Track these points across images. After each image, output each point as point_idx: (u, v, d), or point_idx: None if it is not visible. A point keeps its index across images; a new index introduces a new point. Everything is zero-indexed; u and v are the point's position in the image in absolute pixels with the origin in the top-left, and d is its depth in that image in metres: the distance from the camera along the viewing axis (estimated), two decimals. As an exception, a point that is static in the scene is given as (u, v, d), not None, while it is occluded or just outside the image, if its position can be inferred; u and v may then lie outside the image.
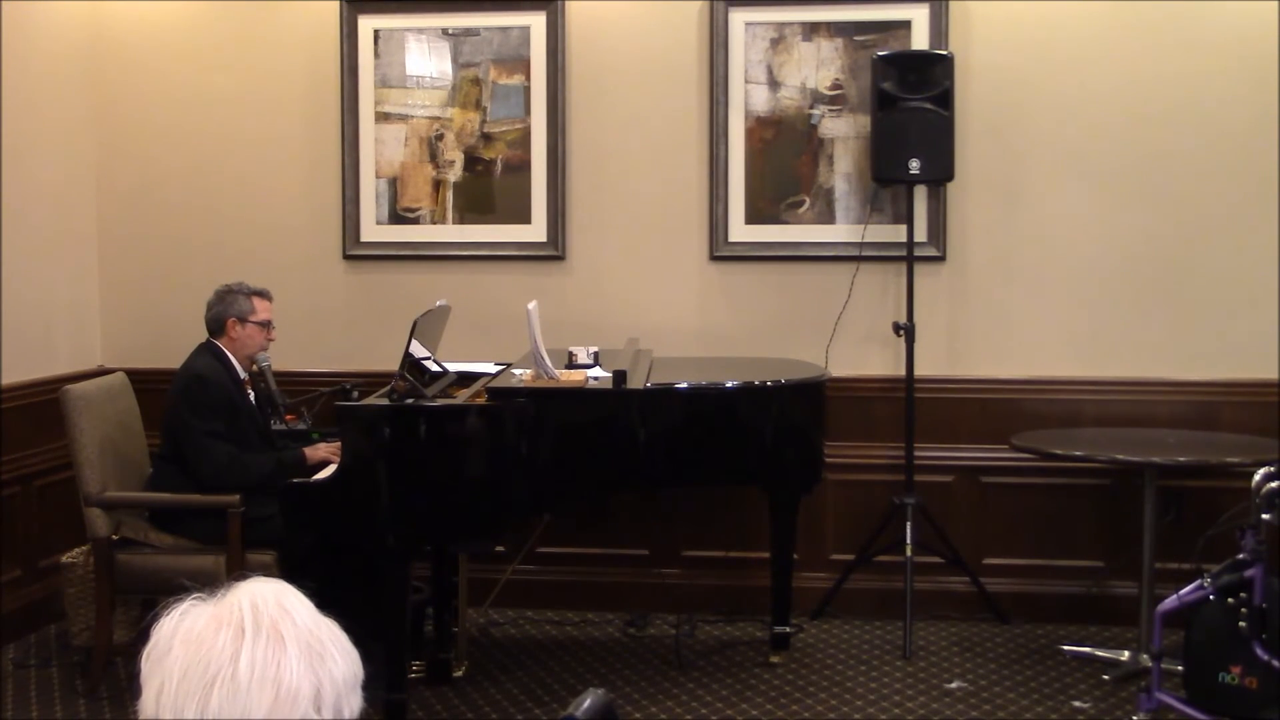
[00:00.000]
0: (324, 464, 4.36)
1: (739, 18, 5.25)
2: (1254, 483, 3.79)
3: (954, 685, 4.54)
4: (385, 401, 4.11)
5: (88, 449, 4.38)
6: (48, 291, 5.29)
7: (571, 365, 4.56)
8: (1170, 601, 3.92)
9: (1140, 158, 5.12)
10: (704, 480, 4.59)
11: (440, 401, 4.16)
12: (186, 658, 1.16)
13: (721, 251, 5.32)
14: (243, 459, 4.33)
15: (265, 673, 1.14)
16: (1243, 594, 3.80)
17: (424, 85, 5.43)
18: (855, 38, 5.21)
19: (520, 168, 5.40)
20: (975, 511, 5.24)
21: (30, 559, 5.06)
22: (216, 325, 4.50)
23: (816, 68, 5.24)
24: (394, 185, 5.46)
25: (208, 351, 4.47)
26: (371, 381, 4.87)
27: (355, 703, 1.22)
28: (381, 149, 5.45)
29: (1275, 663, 3.76)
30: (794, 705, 4.38)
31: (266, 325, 4.53)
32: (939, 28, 5.14)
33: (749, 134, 5.28)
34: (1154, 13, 5.08)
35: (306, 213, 5.51)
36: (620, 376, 4.20)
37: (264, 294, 4.56)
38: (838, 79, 5.24)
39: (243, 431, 4.41)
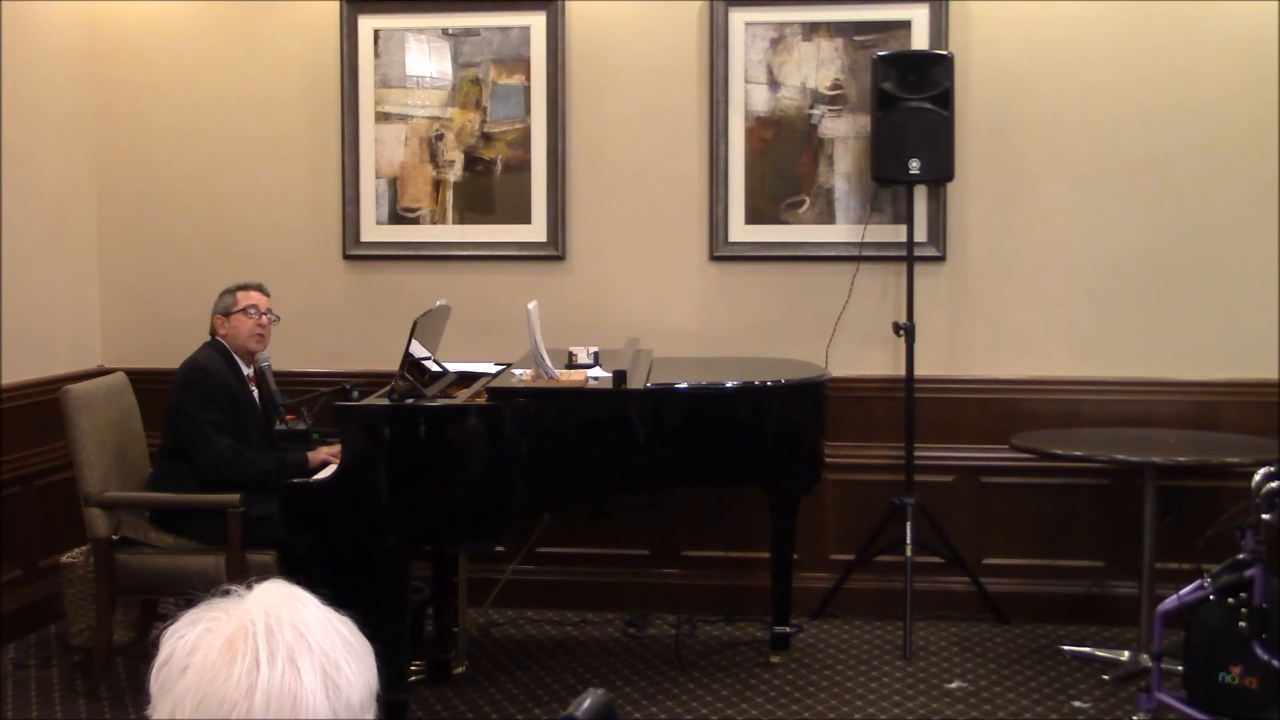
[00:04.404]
0: (325, 466, 4.36)
1: (739, 18, 5.25)
2: (1254, 483, 3.79)
3: (954, 685, 4.54)
4: (385, 401, 4.11)
5: (88, 449, 4.38)
6: (48, 291, 5.29)
7: (571, 365, 4.56)
8: (1170, 601, 3.92)
9: (1140, 157, 5.12)
10: (704, 480, 4.59)
11: (440, 401, 4.16)
12: (201, 688, 1.15)
13: (721, 251, 5.32)
14: (245, 454, 4.33)
15: (281, 709, 1.14)
16: (1243, 594, 3.79)
17: (424, 85, 5.43)
18: (855, 38, 5.21)
19: (520, 168, 5.40)
20: (975, 511, 5.24)
21: (30, 559, 5.06)
22: (210, 328, 4.54)
23: (816, 68, 5.24)
24: (394, 185, 5.46)
25: (210, 346, 4.51)
26: (371, 381, 4.86)
27: (370, 716, 1.21)
28: (381, 149, 5.45)
29: (1275, 663, 3.76)
30: (794, 705, 4.38)
31: (249, 311, 4.49)
32: (939, 28, 5.14)
33: (749, 134, 5.28)
34: (1154, 13, 5.08)
35: (306, 213, 5.51)
36: (620, 376, 4.20)
37: (249, 286, 4.56)
38: (838, 79, 5.24)
39: (243, 427, 4.41)
